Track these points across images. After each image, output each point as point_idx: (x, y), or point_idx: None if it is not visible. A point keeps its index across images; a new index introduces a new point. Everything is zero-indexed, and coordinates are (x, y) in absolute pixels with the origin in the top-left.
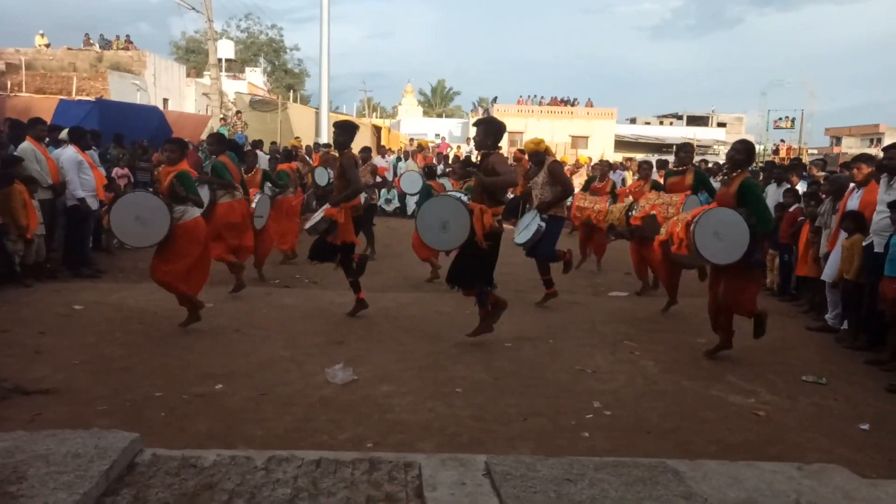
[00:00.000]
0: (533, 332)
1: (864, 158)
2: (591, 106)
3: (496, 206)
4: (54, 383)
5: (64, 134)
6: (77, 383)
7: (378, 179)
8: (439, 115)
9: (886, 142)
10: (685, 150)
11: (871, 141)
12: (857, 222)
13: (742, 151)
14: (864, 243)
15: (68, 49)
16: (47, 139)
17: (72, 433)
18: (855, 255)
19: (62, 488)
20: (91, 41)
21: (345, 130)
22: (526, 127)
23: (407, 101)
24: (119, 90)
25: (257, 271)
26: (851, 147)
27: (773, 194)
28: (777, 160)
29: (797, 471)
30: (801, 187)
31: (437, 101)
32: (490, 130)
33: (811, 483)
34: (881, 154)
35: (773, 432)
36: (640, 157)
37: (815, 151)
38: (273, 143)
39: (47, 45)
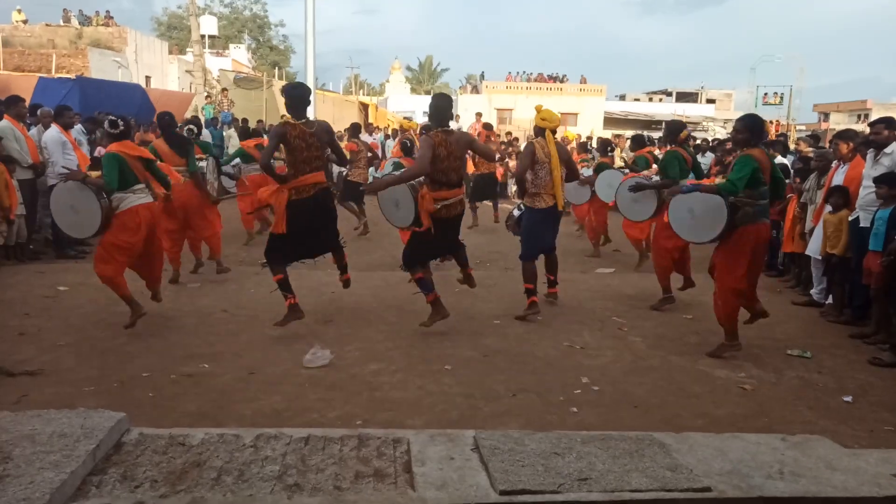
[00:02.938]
0: (521, 310)
1: (842, 136)
2: (585, 82)
3: (439, 189)
4: (40, 365)
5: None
6: (63, 364)
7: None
8: (427, 92)
9: (874, 118)
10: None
11: (859, 117)
12: (843, 197)
13: (742, 130)
14: (850, 218)
15: (47, 25)
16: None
17: (57, 413)
18: (842, 230)
19: (49, 468)
20: (70, 16)
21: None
22: (515, 104)
23: (394, 77)
24: (100, 67)
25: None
26: (839, 123)
27: None
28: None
29: (781, 442)
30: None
31: (425, 77)
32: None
33: (794, 454)
34: (868, 129)
35: (758, 405)
36: (629, 133)
37: (804, 127)
38: (259, 121)
39: (25, 21)
